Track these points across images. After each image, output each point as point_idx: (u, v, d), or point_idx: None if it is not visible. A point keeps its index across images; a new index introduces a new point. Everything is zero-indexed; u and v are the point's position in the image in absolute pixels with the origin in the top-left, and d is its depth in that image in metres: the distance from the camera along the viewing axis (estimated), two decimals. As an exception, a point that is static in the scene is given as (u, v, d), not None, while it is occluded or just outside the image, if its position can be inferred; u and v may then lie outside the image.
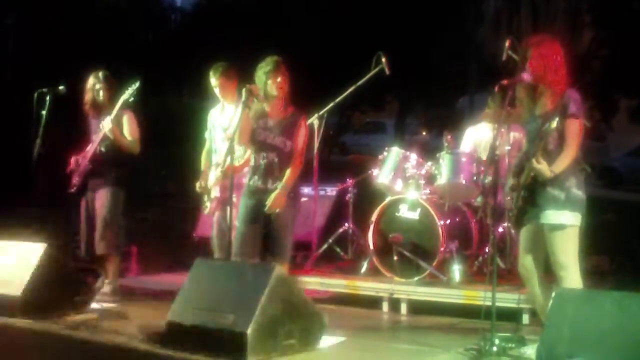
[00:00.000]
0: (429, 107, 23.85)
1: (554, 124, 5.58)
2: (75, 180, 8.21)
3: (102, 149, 8.09)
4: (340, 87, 9.14)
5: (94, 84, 8.20)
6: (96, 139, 8.11)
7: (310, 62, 17.75)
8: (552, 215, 5.83)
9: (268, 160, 7.09)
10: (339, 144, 22.17)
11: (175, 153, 17.17)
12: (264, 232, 7.08)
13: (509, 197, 6.10)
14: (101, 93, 8.16)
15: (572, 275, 5.81)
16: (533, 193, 5.87)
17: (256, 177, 7.12)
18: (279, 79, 6.98)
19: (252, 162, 7.18)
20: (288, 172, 7.00)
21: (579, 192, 5.84)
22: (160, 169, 19.13)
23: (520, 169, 5.98)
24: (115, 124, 8.01)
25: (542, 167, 5.66)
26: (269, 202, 6.93)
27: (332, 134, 19.26)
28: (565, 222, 5.80)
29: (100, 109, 8.17)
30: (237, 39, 19.50)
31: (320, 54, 18.66)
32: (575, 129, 5.78)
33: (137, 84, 8.06)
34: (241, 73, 7.75)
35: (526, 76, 6.86)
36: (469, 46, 20.67)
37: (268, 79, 6.97)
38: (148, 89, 10.11)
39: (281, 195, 6.94)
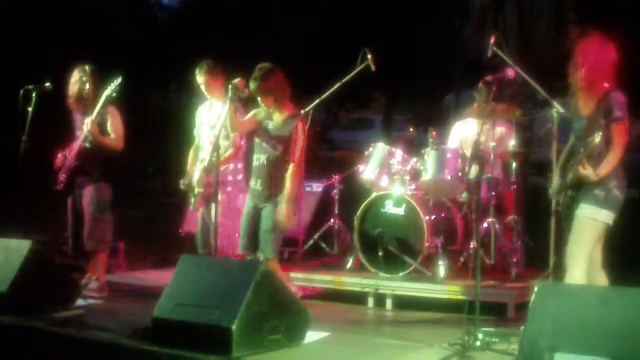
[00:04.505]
0: (416, 103, 23.92)
1: (598, 138, 5.70)
2: (62, 177, 8.21)
3: (87, 145, 8.08)
4: (327, 84, 9.15)
5: (80, 77, 8.17)
6: (81, 135, 8.11)
7: (297, 58, 17.76)
8: (588, 211, 5.94)
9: (259, 162, 7.32)
10: (326, 140, 22.18)
11: (163, 150, 17.18)
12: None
13: (554, 191, 6.23)
14: (87, 86, 8.12)
15: (578, 266, 5.92)
16: (579, 191, 5.99)
17: (253, 178, 7.35)
18: (261, 96, 7.23)
19: (253, 163, 7.40)
20: (287, 183, 7.18)
21: (617, 193, 5.96)
22: (149, 165, 19.13)
23: (565, 168, 6.12)
24: (97, 122, 8.01)
25: (588, 172, 5.80)
26: (279, 217, 7.14)
27: (319, 130, 19.29)
28: (598, 218, 5.93)
29: (85, 104, 8.14)
30: (224, 36, 19.49)
31: (307, 51, 18.66)
32: (620, 132, 5.89)
33: (120, 80, 8.05)
34: (227, 70, 7.77)
35: (511, 72, 6.91)
36: (456, 43, 20.69)
37: (255, 93, 7.23)
38: (136, 86, 10.13)
39: (285, 209, 7.14)
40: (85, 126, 7.96)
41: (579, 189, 5.99)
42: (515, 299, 7.41)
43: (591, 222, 5.95)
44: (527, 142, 12.06)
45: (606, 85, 5.97)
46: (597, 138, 5.70)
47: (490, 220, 8.09)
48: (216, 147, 7.04)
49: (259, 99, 7.27)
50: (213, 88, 7.80)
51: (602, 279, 6.10)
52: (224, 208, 7.48)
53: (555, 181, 6.26)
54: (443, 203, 8.50)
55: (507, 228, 8.40)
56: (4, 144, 9.63)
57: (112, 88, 8.04)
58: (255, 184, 7.34)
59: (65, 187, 8.21)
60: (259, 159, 7.34)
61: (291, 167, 7.19)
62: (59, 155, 8.25)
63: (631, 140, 6.00)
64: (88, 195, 8.13)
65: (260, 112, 7.38)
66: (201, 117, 8.00)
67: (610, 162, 5.88)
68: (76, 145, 8.14)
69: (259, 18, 19.44)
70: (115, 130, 8.16)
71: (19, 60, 17.45)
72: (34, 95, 8.10)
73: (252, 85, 7.16)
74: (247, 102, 7.50)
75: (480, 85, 8.38)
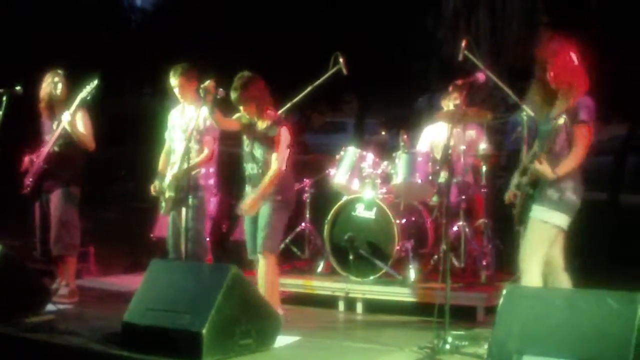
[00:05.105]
0: (389, 106, 23.89)
1: (562, 120, 5.70)
2: (28, 181, 8.17)
3: (56, 149, 8.05)
4: (299, 87, 9.16)
5: (52, 79, 8.15)
6: (50, 139, 8.08)
7: (268, 61, 17.75)
8: (541, 213, 5.92)
9: (254, 171, 7.34)
10: (299, 143, 22.13)
11: (135, 153, 17.07)
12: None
13: (512, 194, 6.20)
14: (59, 87, 8.10)
15: (531, 269, 5.91)
16: (534, 190, 5.98)
17: (249, 185, 7.40)
18: (241, 106, 7.23)
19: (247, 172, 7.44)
20: (266, 180, 7.18)
21: (573, 196, 5.93)
22: (120, 169, 19.04)
23: (526, 168, 6.09)
24: (72, 119, 7.99)
25: (543, 168, 5.78)
26: (243, 204, 7.18)
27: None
28: (549, 221, 5.91)
29: (56, 108, 8.12)
30: (198, 39, 19.48)
31: (278, 54, 18.64)
32: (583, 134, 5.88)
33: (95, 83, 8.03)
34: (201, 74, 7.75)
35: (481, 76, 6.92)
36: (429, 45, 20.76)
37: (235, 102, 7.23)
38: (109, 88, 10.07)
39: (254, 200, 7.16)
40: (64, 119, 7.92)
41: (536, 187, 5.97)
42: (484, 301, 7.46)
43: (541, 224, 5.93)
44: (500, 145, 12.13)
45: (578, 89, 5.97)
46: (561, 120, 5.69)
47: (460, 223, 8.14)
48: (187, 151, 7.03)
49: (241, 107, 7.26)
50: (186, 91, 7.76)
51: (564, 281, 6.07)
52: (194, 212, 7.46)
53: (514, 179, 6.25)
54: (414, 206, 8.55)
55: (477, 231, 8.45)
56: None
57: (87, 90, 8.01)
58: (253, 191, 7.35)
59: (33, 191, 8.17)
60: (253, 168, 7.34)
61: (272, 170, 7.16)
62: (25, 159, 8.21)
63: (600, 143, 6.01)
64: (55, 199, 8.09)
65: (243, 116, 7.37)
66: (173, 120, 7.97)
67: (570, 162, 5.86)
68: (44, 149, 8.11)
69: (232, 21, 19.40)
70: (85, 129, 8.13)
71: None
72: (3, 99, 8.05)
73: (233, 95, 7.15)
74: (225, 109, 7.48)
75: (450, 89, 8.43)
